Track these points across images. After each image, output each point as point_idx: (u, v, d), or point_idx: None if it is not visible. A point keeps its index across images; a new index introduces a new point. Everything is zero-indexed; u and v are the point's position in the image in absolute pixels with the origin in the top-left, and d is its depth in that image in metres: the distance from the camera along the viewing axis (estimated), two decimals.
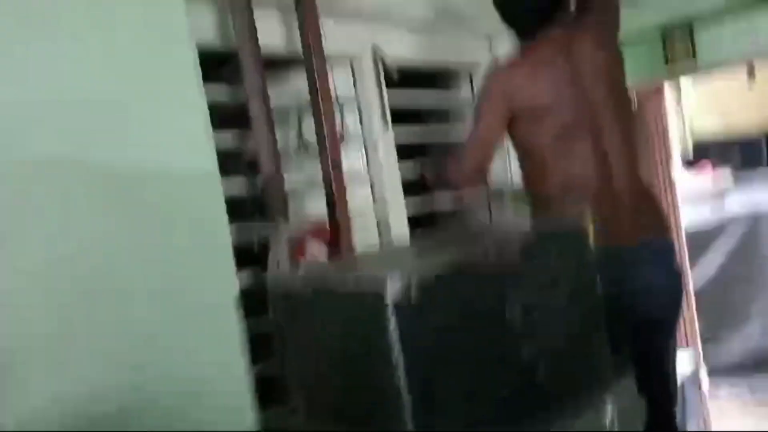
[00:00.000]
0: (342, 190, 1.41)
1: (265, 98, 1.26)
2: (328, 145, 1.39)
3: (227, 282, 1.17)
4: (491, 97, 1.59)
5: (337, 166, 1.40)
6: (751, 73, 2.67)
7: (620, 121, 1.58)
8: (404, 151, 1.80)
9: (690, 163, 4.80)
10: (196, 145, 1.15)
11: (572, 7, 1.65)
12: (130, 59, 1.08)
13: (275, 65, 1.55)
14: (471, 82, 2.10)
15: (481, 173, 1.65)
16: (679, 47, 2.33)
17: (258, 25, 1.31)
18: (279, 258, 1.25)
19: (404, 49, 1.80)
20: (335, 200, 1.40)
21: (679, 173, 3.42)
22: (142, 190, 1.07)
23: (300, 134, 1.46)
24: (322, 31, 1.40)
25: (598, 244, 1.41)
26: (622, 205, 1.56)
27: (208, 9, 1.28)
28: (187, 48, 1.15)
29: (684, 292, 1.68)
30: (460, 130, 1.94)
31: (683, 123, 4.81)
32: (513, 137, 1.62)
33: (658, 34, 2.40)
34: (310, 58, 1.39)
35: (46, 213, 0.96)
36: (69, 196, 0.98)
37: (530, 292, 0.99)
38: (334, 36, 1.57)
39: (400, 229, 1.73)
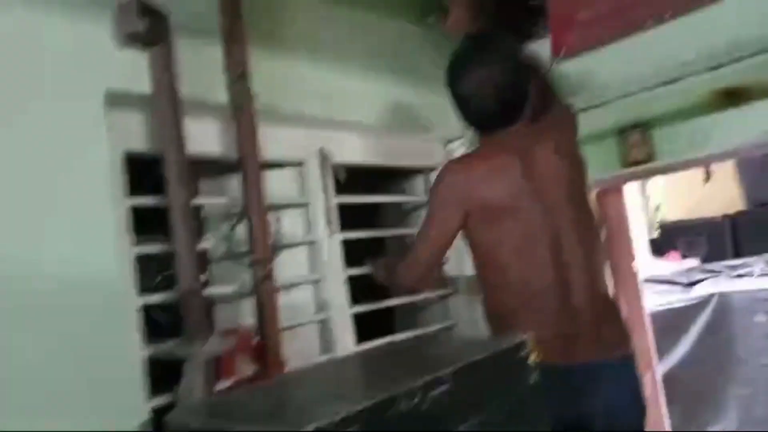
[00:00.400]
0: (272, 303, 1.32)
1: (186, 206, 1.18)
2: (259, 255, 1.31)
3: (134, 400, 1.11)
4: (445, 197, 1.51)
5: (268, 277, 1.31)
6: (707, 175, 2.69)
7: (581, 230, 1.51)
8: (360, 249, 1.72)
9: (658, 252, 4.80)
10: (109, 256, 1.11)
11: (531, 110, 1.63)
12: (43, 168, 1.05)
13: (214, 170, 1.49)
14: (426, 181, 2.07)
15: (432, 273, 1.57)
16: (636, 149, 2.33)
17: (196, 131, 1.28)
18: (192, 385, 1.13)
19: (356, 152, 1.77)
20: (264, 314, 1.30)
21: (647, 262, 3.38)
22: (53, 302, 1.03)
23: (230, 243, 1.38)
24: (258, 138, 1.36)
25: (555, 361, 1.33)
26: (581, 320, 1.46)
27: (138, 115, 1.23)
28: (103, 158, 1.11)
29: (646, 410, 1.57)
30: (414, 229, 1.88)
31: (648, 212, 4.85)
32: (468, 239, 1.54)
33: (616, 134, 2.42)
34: (245, 164, 1.33)
35: None
36: None
37: (465, 420, 0.90)
38: (282, 140, 1.54)
39: (345, 336, 1.63)
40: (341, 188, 1.70)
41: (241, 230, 1.36)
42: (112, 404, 1.09)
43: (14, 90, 1.03)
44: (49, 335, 1.02)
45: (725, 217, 4.65)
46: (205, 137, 1.36)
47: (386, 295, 1.80)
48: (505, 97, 1.47)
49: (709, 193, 4.42)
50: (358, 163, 1.77)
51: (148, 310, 1.20)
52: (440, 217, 1.50)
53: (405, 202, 2.04)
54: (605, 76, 1.77)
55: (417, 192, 2.08)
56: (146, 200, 1.23)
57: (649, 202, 4.91)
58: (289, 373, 1.28)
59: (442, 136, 2.03)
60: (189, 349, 1.16)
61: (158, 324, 1.27)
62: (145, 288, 1.24)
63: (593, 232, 1.59)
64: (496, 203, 1.47)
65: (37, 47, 1.07)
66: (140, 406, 1.14)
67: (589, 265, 1.50)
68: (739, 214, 4.70)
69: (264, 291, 1.31)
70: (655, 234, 4.96)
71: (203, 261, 1.39)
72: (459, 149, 2.03)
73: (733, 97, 2.09)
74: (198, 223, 1.44)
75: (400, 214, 2.05)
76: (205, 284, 1.35)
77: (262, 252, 1.32)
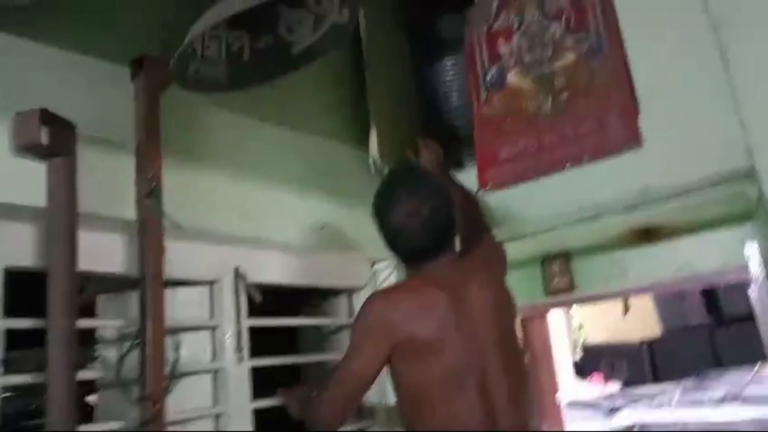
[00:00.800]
0: None
1: (66, 334, 1.04)
2: (150, 389, 1.17)
3: None
4: (370, 329, 1.42)
5: (157, 416, 1.16)
6: (625, 306, 2.76)
7: (510, 369, 1.45)
8: (275, 374, 1.59)
9: (581, 373, 4.82)
10: None
11: (458, 245, 1.61)
12: None
13: (115, 286, 1.37)
14: (350, 302, 1.99)
15: (350, 411, 1.45)
16: (558, 278, 2.37)
17: (98, 246, 1.19)
18: None
19: (275, 271, 1.68)
20: None
21: (571, 385, 3.34)
22: None
23: (120, 371, 1.23)
24: (163, 255, 1.26)
25: None
26: None
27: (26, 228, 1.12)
28: None
29: None
30: (334, 354, 1.77)
31: (571, 331, 4.92)
32: (392, 374, 1.45)
33: (539, 264, 2.46)
34: (146, 282, 1.22)
35: None
36: None
37: None
38: (194, 257, 1.44)
39: None
40: (256, 309, 1.59)
41: (134, 357, 1.22)
42: None
43: None
44: None
45: (643, 342, 4.78)
46: (107, 252, 1.25)
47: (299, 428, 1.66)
48: (431, 228, 1.44)
49: (629, 316, 4.55)
50: (277, 283, 1.68)
51: None
52: (364, 350, 1.41)
53: (325, 324, 1.94)
54: (528, 210, 1.81)
55: (340, 314, 1.99)
56: (23, 323, 1.09)
57: (572, 321, 4.99)
58: None
59: (368, 257, 1.98)
60: None
61: None
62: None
63: (521, 370, 1.54)
64: (423, 339, 1.40)
65: None
66: None
67: (517, 405, 1.44)
68: (656, 340, 4.85)
69: (153, 426, 1.16)
70: (579, 355, 5.02)
71: (87, 390, 1.23)
72: (385, 270, 1.98)
73: (648, 234, 2.18)
74: (89, 345, 1.29)
75: (320, 337, 1.94)
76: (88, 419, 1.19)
77: (154, 385, 1.18)
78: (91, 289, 1.36)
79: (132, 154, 1.27)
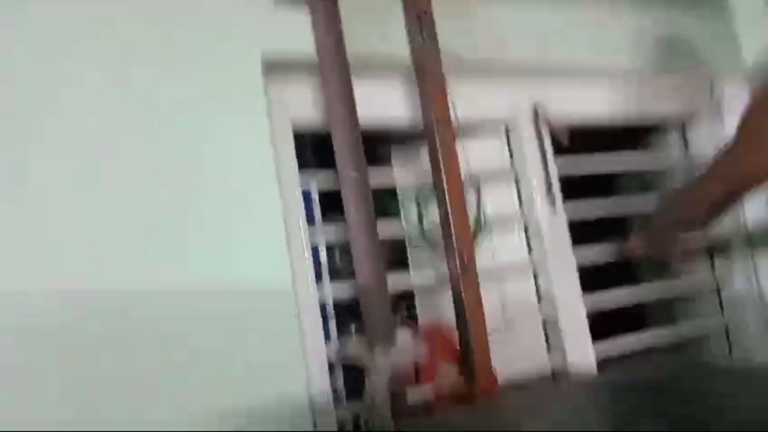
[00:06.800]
0: (475, 298, 1.07)
1: (360, 186, 0.99)
2: (454, 240, 1.07)
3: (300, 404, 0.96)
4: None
5: (468, 266, 1.07)
6: None
7: None
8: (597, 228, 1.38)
9: None
10: (273, 258, 0.97)
11: None
12: (197, 148, 0.94)
13: (404, 139, 1.29)
14: (684, 139, 1.60)
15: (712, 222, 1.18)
16: None
17: (373, 96, 1.10)
18: (375, 393, 0.95)
19: (582, 106, 1.41)
20: (465, 311, 1.06)
21: None
22: (220, 302, 0.92)
23: (421, 226, 1.16)
24: (448, 98, 1.11)
25: None
26: None
27: (301, 84, 1.08)
28: (266, 134, 0.97)
29: None
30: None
31: None
32: None
33: None
34: (433, 131, 1.09)
35: None
36: None
37: None
38: (482, 98, 1.28)
39: (578, 339, 1.30)
40: (565, 149, 1.37)
41: (434, 210, 1.14)
42: (293, 408, 0.96)
43: (160, 57, 0.94)
44: (225, 336, 0.92)
45: None
46: (386, 102, 1.17)
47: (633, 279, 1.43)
48: None
49: None
50: (585, 121, 1.41)
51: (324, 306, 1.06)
52: (754, 148, 1.08)
53: (651, 169, 1.60)
54: None
55: (669, 154, 1.62)
56: (315, 182, 1.09)
57: None
58: (502, 397, 1.02)
59: (706, 75, 1.54)
60: (370, 352, 0.98)
61: (342, 320, 1.12)
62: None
63: None
64: None
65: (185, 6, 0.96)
66: (328, 412, 1.00)
67: None
68: None
69: (464, 283, 1.07)
70: None
71: (392, 248, 1.20)
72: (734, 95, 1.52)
73: None
74: (389, 203, 1.26)
75: (644, 186, 1.61)
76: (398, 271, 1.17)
77: (459, 238, 1.08)
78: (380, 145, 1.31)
79: None
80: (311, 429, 0.97)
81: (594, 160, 1.43)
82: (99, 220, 0.87)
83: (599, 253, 1.38)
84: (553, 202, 1.32)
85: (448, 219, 1.08)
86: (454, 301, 1.08)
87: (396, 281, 1.11)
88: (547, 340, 1.32)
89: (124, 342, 0.85)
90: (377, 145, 1.30)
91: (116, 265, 0.86)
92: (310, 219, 1.07)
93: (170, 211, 0.90)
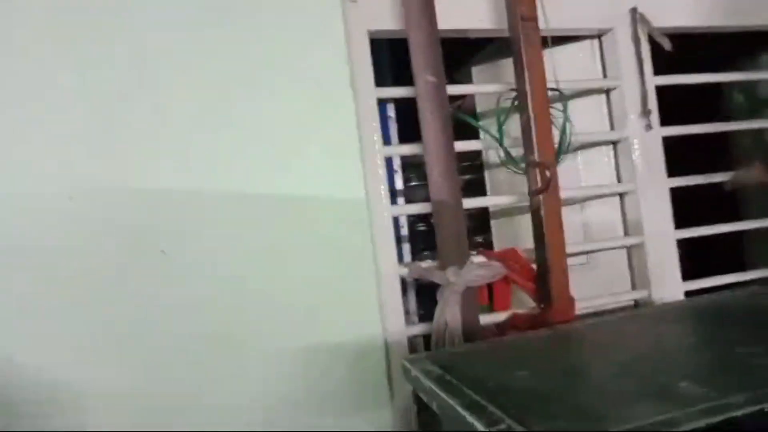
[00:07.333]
0: (555, 221, 0.99)
1: (438, 89, 0.92)
2: (536, 152, 0.99)
3: (372, 323, 0.96)
4: None
5: (549, 187, 0.98)
6: None
7: None
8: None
9: None
10: (348, 176, 0.95)
11: None
12: (289, 96, 0.93)
13: (489, 51, 1.19)
14: None
15: None
16: None
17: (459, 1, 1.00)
18: (446, 317, 0.91)
19: (688, 11, 1.24)
20: (544, 233, 0.99)
21: None
22: (299, 215, 0.93)
23: (501, 142, 1.08)
24: (536, 3, 1.00)
25: None
26: None
27: None
28: (346, 90, 0.94)
29: None
30: None
31: None
32: None
33: None
34: (518, 39, 0.99)
35: None
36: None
37: None
38: (575, 3, 1.15)
39: (667, 270, 1.20)
40: (662, 66, 1.22)
41: (515, 126, 1.05)
42: (364, 325, 0.95)
43: None
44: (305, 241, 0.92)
45: None
46: (466, 9, 1.06)
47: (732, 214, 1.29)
48: None
49: None
50: (688, 27, 1.25)
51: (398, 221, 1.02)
52: None
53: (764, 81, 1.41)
54: None
55: None
56: (392, 91, 1.02)
57: None
58: (580, 325, 0.95)
59: None
60: (442, 270, 0.93)
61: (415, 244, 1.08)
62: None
63: None
64: None
65: None
66: (401, 330, 0.98)
67: None
68: None
69: (544, 205, 1.00)
70: None
71: (469, 167, 1.13)
72: None
73: None
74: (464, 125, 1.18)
75: (754, 103, 1.43)
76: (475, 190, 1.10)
77: (542, 151, 0.99)
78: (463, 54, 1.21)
79: None
80: (382, 346, 0.95)
81: (699, 76, 1.27)
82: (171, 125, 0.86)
83: (699, 180, 1.25)
84: (647, 119, 1.20)
85: (530, 128, 0.99)
86: (533, 222, 1.01)
87: (471, 203, 1.05)
88: (631, 274, 1.23)
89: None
90: (456, 61, 1.20)
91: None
92: (386, 139, 1.02)
93: (245, 113, 0.90)
